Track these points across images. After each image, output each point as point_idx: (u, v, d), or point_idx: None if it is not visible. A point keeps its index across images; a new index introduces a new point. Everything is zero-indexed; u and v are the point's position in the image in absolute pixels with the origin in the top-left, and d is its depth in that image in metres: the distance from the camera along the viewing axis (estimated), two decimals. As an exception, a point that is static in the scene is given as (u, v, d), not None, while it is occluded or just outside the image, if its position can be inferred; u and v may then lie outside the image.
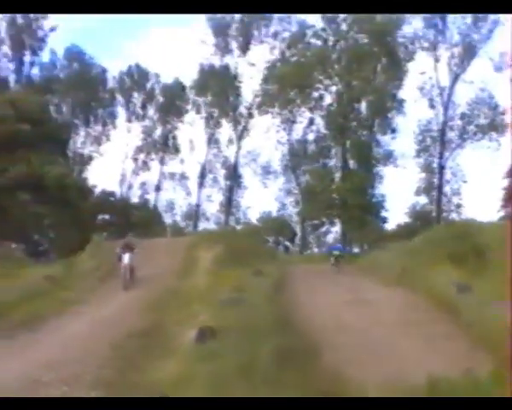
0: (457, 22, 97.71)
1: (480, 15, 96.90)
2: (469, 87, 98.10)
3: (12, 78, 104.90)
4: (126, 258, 32.40)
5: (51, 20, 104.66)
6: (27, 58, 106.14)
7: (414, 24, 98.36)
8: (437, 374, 17.59)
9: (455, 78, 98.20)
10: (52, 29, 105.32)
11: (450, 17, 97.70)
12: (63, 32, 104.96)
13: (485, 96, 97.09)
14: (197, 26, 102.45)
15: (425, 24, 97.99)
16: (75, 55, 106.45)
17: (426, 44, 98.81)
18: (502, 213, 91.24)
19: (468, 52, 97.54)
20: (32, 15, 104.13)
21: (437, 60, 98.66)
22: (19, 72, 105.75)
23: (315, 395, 16.68)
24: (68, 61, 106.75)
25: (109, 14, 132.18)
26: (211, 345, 24.38)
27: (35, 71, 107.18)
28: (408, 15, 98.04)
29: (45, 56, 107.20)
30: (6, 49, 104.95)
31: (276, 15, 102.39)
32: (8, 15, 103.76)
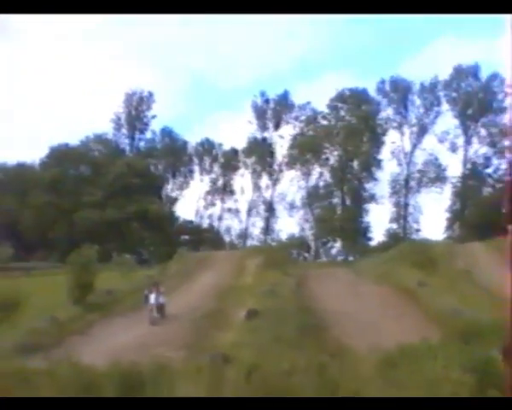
0: (415, 111, 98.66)
1: (430, 106, 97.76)
2: (423, 152, 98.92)
3: (127, 149, 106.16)
4: (152, 298, 30.69)
5: (153, 111, 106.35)
6: (137, 136, 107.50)
7: (387, 111, 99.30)
8: (403, 342, 17.68)
9: (414, 146, 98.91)
10: (153, 116, 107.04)
11: (411, 107, 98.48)
12: (160, 118, 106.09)
13: (432, 159, 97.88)
14: (246, 111, 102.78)
15: (393, 111, 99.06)
16: (167, 132, 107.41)
17: (395, 124, 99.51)
18: (446, 234, 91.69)
19: (422, 130, 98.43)
20: (139, 109, 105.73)
21: (402, 134, 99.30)
22: (131, 145, 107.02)
23: (325, 356, 16.81)
24: (162, 136, 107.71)
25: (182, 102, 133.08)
26: (255, 322, 24.57)
27: (141, 143, 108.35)
28: (383, 105, 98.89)
29: (148, 134, 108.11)
30: (124, 130, 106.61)
31: (297, 104, 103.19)
32: (126, 110, 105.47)
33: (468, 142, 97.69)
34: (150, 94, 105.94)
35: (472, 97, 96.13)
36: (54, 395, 13.06)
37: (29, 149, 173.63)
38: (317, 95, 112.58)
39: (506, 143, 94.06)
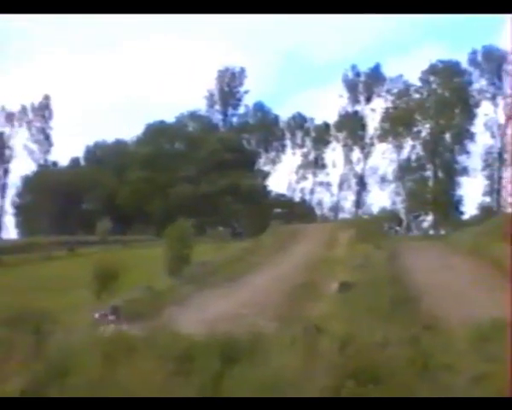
0: (510, 81, 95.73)
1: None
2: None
3: (220, 124, 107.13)
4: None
5: (245, 87, 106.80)
6: (230, 111, 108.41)
7: (480, 83, 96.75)
8: (496, 315, 17.31)
9: (508, 118, 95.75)
10: (246, 92, 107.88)
11: (505, 77, 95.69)
12: (252, 93, 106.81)
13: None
14: (337, 86, 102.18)
15: (487, 82, 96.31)
16: (259, 108, 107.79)
17: (488, 96, 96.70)
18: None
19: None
20: (232, 85, 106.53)
21: (496, 106, 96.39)
22: (224, 120, 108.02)
23: (417, 329, 16.61)
24: (254, 111, 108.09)
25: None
26: (347, 294, 24.48)
27: (234, 119, 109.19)
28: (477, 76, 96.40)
29: (241, 110, 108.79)
30: (217, 106, 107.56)
31: (389, 77, 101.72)
32: (218, 87, 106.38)
33: None
34: (242, 70, 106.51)
35: None
36: (152, 363, 13.35)
37: (126, 127, 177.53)
38: (408, 68, 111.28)
39: None
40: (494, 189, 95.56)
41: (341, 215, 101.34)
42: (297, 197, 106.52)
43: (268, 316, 22.09)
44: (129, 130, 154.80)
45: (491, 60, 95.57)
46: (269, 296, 27.61)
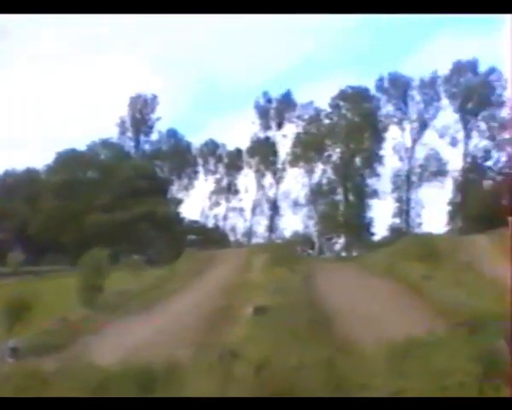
0: (415, 106, 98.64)
1: (430, 101, 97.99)
2: (423, 147, 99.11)
3: (133, 151, 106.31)
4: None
5: (157, 113, 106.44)
6: (142, 138, 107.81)
7: (387, 108, 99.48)
8: (410, 334, 17.67)
9: (414, 141, 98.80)
10: (158, 119, 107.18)
11: (411, 103, 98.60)
12: (165, 120, 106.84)
13: (433, 153, 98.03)
14: (249, 112, 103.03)
15: (394, 108, 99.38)
16: (171, 134, 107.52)
17: (395, 120, 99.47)
18: (447, 227, 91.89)
19: (423, 125, 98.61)
20: (144, 112, 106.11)
21: (403, 130, 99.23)
22: (137, 147, 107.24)
23: (332, 350, 16.81)
24: (167, 138, 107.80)
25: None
26: (263, 318, 24.59)
27: (147, 146, 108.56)
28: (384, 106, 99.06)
29: (154, 135, 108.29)
30: (129, 133, 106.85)
31: (300, 103, 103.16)
32: (130, 114, 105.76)
33: (467, 136, 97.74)
34: (154, 96, 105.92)
35: (471, 92, 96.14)
36: (67, 395, 13.07)
37: (35, 155, 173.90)
38: (319, 94, 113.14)
39: (506, 136, 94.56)
40: (403, 210, 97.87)
41: (255, 240, 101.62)
42: (210, 223, 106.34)
43: (184, 343, 21.99)
44: (39, 158, 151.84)
45: (397, 86, 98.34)
46: (185, 323, 27.48)
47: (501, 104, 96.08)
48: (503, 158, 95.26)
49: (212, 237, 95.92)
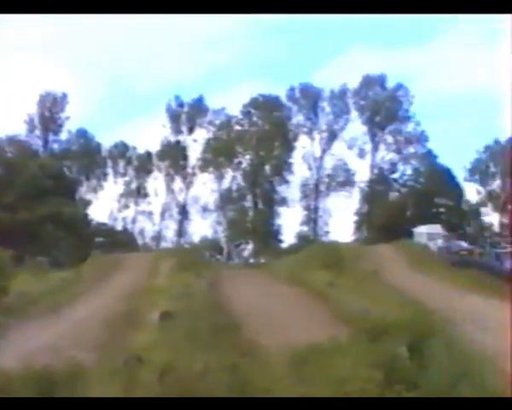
0: (325, 117, 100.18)
1: (339, 113, 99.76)
2: (332, 157, 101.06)
3: (41, 150, 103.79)
4: None
5: (68, 113, 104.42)
6: (50, 137, 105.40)
7: (298, 118, 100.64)
8: (313, 340, 17.86)
9: (323, 151, 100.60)
10: (67, 118, 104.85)
11: (321, 114, 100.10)
12: (76, 118, 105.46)
13: (341, 164, 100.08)
14: (161, 115, 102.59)
15: (304, 118, 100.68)
16: (81, 134, 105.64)
17: (305, 130, 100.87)
18: (354, 237, 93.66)
19: (332, 136, 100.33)
20: (53, 110, 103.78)
21: (312, 140, 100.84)
22: (45, 146, 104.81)
23: (237, 355, 16.84)
24: (77, 138, 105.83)
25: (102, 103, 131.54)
26: (169, 323, 24.43)
27: (55, 145, 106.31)
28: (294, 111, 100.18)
29: (64, 135, 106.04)
30: (37, 132, 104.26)
31: (212, 109, 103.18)
32: (39, 112, 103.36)
33: (375, 148, 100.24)
34: (64, 95, 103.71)
35: (379, 106, 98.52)
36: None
37: None
38: (232, 101, 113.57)
39: (411, 150, 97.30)
40: (311, 218, 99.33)
41: (163, 244, 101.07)
42: (119, 226, 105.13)
43: (88, 347, 21.60)
44: None
45: (308, 96, 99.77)
46: (89, 327, 26.97)
47: (407, 119, 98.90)
48: (409, 171, 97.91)
49: (120, 240, 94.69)
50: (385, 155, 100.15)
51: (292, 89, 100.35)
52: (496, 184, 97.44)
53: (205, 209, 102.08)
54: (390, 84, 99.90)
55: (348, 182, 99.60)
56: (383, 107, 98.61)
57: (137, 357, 17.20)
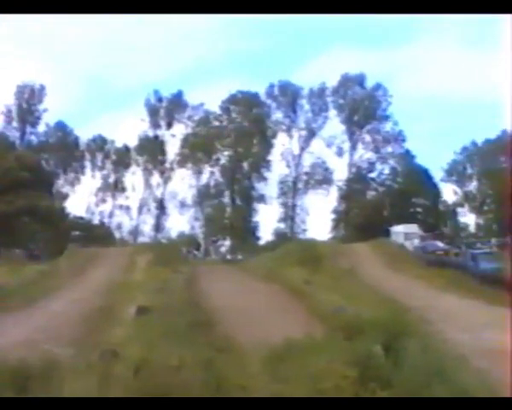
0: (303, 115, 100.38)
1: (318, 111, 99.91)
2: (310, 155, 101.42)
3: (18, 142, 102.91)
4: None
5: (46, 105, 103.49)
6: (28, 129, 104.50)
7: (277, 115, 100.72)
8: (289, 337, 17.90)
9: (302, 149, 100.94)
10: (44, 110, 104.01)
11: (299, 111, 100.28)
12: (54, 111, 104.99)
13: (320, 162, 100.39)
14: (139, 110, 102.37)
15: (283, 115, 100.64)
16: (59, 127, 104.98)
17: (284, 127, 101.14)
18: (331, 235, 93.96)
19: (310, 134, 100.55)
20: (31, 102, 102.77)
21: (291, 137, 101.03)
22: (22, 138, 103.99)
23: (212, 351, 16.83)
24: (55, 131, 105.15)
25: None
26: (145, 318, 24.36)
27: (33, 137, 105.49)
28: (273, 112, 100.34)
29: (41, 127, 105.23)
30: (14, 123, 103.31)
31: (191, 105, 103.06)
32: (16, 103, 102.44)
33: (353, 147, 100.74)
34: (42, 87, 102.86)
35: (357, 105, 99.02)
36: None
37: None
38: (211, 98, 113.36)
39: (389, 150, 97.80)
40: (288, 216, 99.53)
41: (141, 239, 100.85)
42: (96, 220, 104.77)
43: (63, 341, 21.48)
44: None
45: (287, 94, 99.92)
46: (65, 321, 26.84)
47: (385, 119, 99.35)
48: (386, 171, 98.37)
49: (97, 234, 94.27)
50: (363, 154, 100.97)
51: (271, 86, 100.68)
52: (472, 185, 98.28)
53: (182, 205, 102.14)
54: (369, 83, 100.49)
55: (326, 180, 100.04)
56: (362, 106, 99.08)
57: (113, 352, 17.13)
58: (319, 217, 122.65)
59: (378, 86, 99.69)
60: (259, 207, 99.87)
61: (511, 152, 76.86)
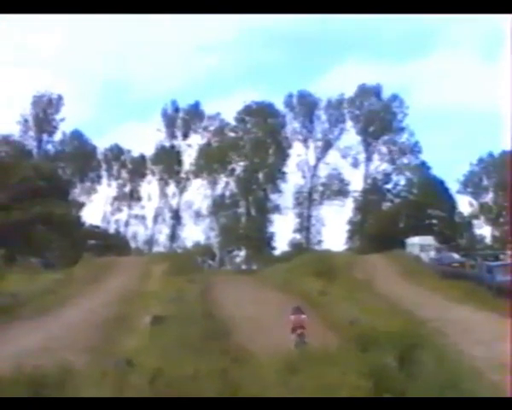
0: (320, 126, 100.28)
1: (335, 122, 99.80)
2: (326, 166, 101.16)
3: (35, 151, 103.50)
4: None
5: (63, 115, 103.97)
6: (45, 138, 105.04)
7: (293, 125, 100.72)
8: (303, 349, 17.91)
9: (318, 160, 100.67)
10: (62, 119, 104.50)
11: (316, 122, 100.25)
12: (71, 120, 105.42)
13: (335, 173, 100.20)
14: (156, 120, 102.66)
15: (300, 125, 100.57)
16: (76, 136, 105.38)
17: (300, 138, 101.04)
18: (346, 246, 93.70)
19: (326, 145, 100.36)
20: (48, 111, 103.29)
21: (307, 148, 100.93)
22: (39, 147, 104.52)
23: (227, 360, 16.89)
24: (71, 140, 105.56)
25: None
26: (160, 327, 24.47)
27: (50, 146, 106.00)
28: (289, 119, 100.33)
29: (58, 136, 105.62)
30: (31, 133, 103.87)
31: (207, 115, 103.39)
32: (33, 113, 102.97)
33: (369, 158, 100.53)
34: (59, 97, 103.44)
35: (374, 116, 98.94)
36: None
37: None
38: (228, 108, 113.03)
39: (405, 161, 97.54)
40: (304, 226, 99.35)
41: (156, 248, 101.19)
42: (112, 229, 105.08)
43: (79, 350, 21.63)
44: None
45: (305, 104, 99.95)
46: (80, 330, 27.00)
47: (401, 130, 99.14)
48: (402, 182, 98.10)
49: (112, 244, 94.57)
50: (378, 166, 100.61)
51: (290, 95, 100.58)
52: (488, 197, 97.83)
53: (198, 215, 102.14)
54: (385, 95, 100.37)
55: (342, 191, 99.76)
56: (378, 117, 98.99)
57: (128, 361, 17.23)
58: (335, 228, 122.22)
59: (394, 97, 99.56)
60: (275, 217, 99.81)
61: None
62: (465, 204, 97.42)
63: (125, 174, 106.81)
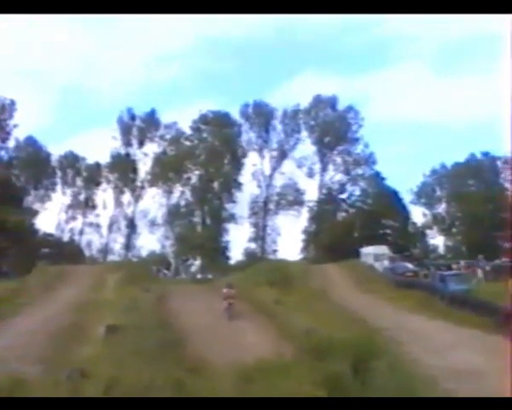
0: (276, 136, 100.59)
1: (290, 132, 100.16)
2: (282, 176, 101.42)
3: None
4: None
5: (17, 121, 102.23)
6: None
7: (249, 135, 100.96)
8: (259, 358, 17.89)
9: (273, 170, 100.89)
10: (15, 125, 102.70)
11: (272, 132, 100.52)
12: (25, 127, 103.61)
13: (291, 183, 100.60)
14: (112, 127, 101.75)
15: (255, 135, 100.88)
16: (30, 142, 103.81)
17: (256, 147, 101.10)
18: (301, 255, 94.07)
19: (282, 155, 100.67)
20: (1, 117, 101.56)
21: (263, 158, 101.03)
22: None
23: (183, 370, 16.75)
24: (25, 146, 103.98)
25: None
26: (114, 337, 24.23)
27: (3, 153, 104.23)
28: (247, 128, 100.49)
29: (12, 143, 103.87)
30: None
31: (163, 124, 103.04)
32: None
33: (324, 168, 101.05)
34: (12, 102, 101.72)
35: (329, 127, 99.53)
36: None
37: None
38: (187, 117, 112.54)
39: (359, 171, 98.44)
40: (259, 236, 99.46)
41: (110, 257, 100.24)
42: (66, 237, 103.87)
43: (32, 360, 21.31)
44: None
45: (260, 114, 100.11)
46: (33, 339, 26.60)
47: (356, 141, 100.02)
48: (357, 192, 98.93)
49: (66, 252, 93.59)
50: (333, 176, 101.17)
51: (246, 105, 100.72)
52: (441, 207, 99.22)
53: (153, 223, 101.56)
54: (341, 106, 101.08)
55: (297, 201, 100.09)
56: (333, 128, 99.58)
57: (81, 371, 17.01)
58: (290, 237, 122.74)
59: (349, 109, 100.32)
60: (230, 226, 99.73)
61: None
62: (418, 214, 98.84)
63: (79, 182, 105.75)
